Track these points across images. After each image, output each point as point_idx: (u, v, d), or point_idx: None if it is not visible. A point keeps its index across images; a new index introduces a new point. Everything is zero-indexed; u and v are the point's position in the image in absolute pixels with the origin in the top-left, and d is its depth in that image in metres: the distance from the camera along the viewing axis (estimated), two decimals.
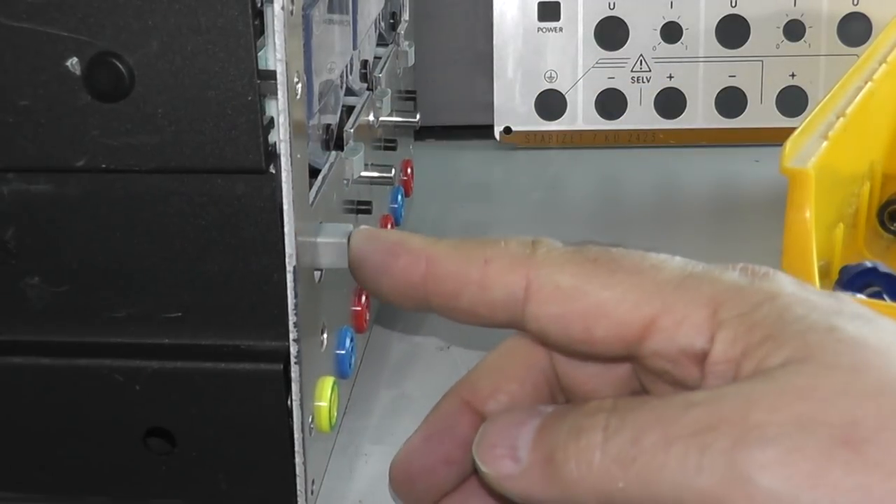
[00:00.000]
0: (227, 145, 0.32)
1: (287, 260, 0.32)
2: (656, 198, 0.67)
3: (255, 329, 0.34)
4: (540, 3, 0.71)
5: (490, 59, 0.71)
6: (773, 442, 0.22)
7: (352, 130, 0.41)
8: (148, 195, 0.33)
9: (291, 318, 0.33)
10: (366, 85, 0.46)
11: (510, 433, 0.26)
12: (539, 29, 0.71)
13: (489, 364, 0.31)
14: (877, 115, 0.52)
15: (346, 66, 0.42)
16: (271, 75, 0.31)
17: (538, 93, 0.71)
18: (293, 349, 0.33)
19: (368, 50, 0.48)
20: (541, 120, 0.72)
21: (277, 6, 0.31)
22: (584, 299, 0.26)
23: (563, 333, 0.27)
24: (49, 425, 0.35)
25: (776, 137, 0.53)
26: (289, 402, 0.34)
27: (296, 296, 0.33)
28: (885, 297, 0.45)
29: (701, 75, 0.71)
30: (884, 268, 0.46)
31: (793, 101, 0.71)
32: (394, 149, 0.51)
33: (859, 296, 0.44)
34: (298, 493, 0.34)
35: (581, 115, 0.72)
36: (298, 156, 0.33)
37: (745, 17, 0.71)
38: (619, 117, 0.72)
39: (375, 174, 0.44)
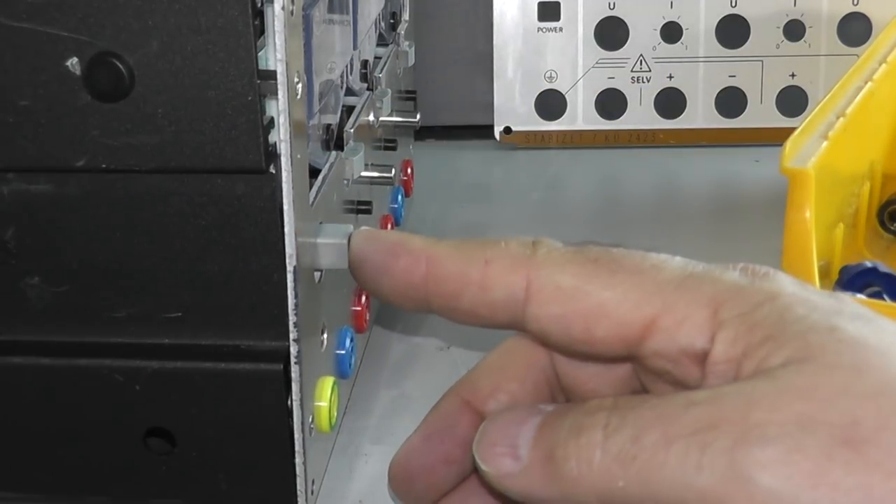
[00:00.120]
0: (227, 145, 0.32)
1: (287, 260, 0.32)
2: (656, 198, 0.67)
3: (255, 329, 0.34)
4: (540, 3, 0.71)
5: (490, 59, 0.71)
6: (774, 441, 0.22)
7: (352, 130, 0.41)
8: (148, 195, 0.33)
9: (291, 318, 0.33)
10: (366, 85, 0.46)
11: (510, 431, 0.26)
12: (539, 29, 0.71)
13: (489, 364, 0.31)
14: (877, 115, 0.52)
15: (347, 66, 0.42)
16: (271, 75, 0.31)
17: (538, 93, 0.71)
18: (293, 349, 0.33)
19: (368, 50, 0.48)
20: (541, 120, 0.72)
21: (277, 6, 0.31)
22: (584, 299, 0.26)
23: (564, 334, 0.27)
24: (49, 425, 0.35)
25: (776, 137, 0.53)
26: (289, 402, 0.34)
27: (296, 296, 0.33)
28: (885, 297, 0.45)
29: (701, 75, 0.71)
30: (884, 268, 0.46)
31: (793, 101, 0.71)
32: (394, 149, 0.51)
33: (859, 296, 0.44)
34: (298, 493, 0.34)
35: (581, 115, 0.72)
36: (298, 156, 0.33)
37: (745, 17, 0.71)
38: (619, 117, 0.72)
39: (375, 174, 0.44)
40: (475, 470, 0.29)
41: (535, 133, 0.72)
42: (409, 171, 0.56)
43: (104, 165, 0.32)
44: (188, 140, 0.32)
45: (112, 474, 0.35)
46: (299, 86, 0.32)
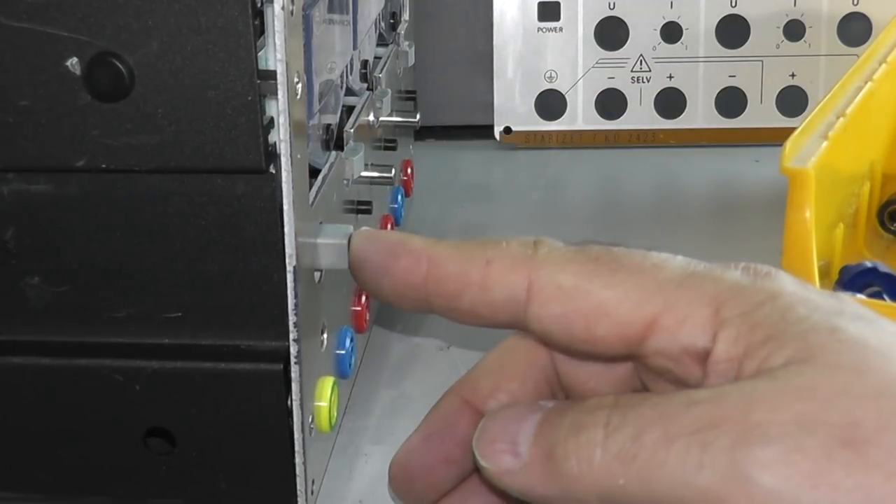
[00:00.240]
0: (227, 145, 0.32)
1: (287, 260, 0.32)
2: (656, 198, 0.67)
3: (255, 329, 0.34)
4: (540, 3, 0.71)
5: (490, 59, 0.71)
6: (775, 441, 0.22)
7: (352, 130, 0.41)
8: (148, 195, 0.33)
9: (291, 318, 0.33)
10: (366, 85, 0.46)
11: (511, 428, 0.26)
12: (539, 29, 0.71)
13: (489, 363, 0.31)
14: (877, 115, 0.52)
15: (347, 66, 0.42)
16: (271, 75, 0.31)
17: (538, 93, 0.71)
18: (293, 349, 0.33)
19: (368, 50, 0.48)
20: (541, 120, 0.72)
21: (277, 6, 0.31)
22: (586, 299, 0.26)
23: (566, 333, 0.27)
24: (49, 425, 0.35)
25: (776, 137, 0.53)
26: (289, 402, 0.34)
27: (296, 296, 0.33)
28: (885, 297, 0.45)
29: (701, 75, 0.71)
30: (884, 268, 0.46)
31: (793, 101, 0.71)
32: (394, 149, 0.51)
33: (859, 296, 0.44)
34: (298, 493, 0.34)
35: (581, 115, 0.72)
36: (298, 156, 0.33)
37: (745, 17, 0.71)
38: (619, 117, 0.72)
39: (375, 174, 0.44)
40: (475, 470, 0.29)
41: (535, 133, 0.72)
42: (409, 171, 0.56)
43: (104, 165, 0.32)
44: (188, 140, 0.32)
45: (112, 474, 0.35)
46: (299, 86, 0.32)
